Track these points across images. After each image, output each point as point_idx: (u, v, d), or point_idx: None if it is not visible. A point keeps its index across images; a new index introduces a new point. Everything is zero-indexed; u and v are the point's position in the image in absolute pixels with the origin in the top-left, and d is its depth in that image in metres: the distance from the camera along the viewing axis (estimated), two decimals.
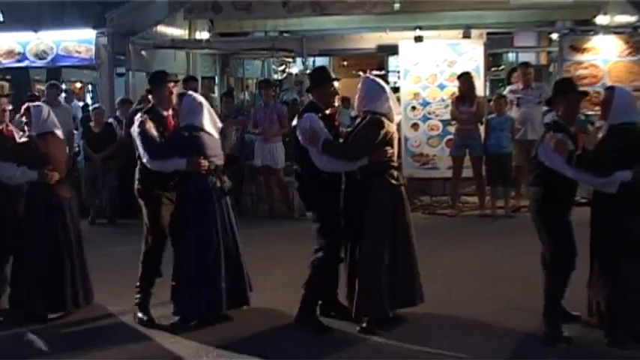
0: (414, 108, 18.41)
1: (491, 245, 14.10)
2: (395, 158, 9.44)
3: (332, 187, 9.39)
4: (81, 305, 10.45)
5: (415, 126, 18.37)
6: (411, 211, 12.55)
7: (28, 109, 10.35)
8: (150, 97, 10.30)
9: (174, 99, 10.05)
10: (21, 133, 10.47)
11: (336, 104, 9.89)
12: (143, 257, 10.18)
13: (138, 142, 9.81)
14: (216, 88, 24.25)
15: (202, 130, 9.66)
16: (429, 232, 14.57)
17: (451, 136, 17.69)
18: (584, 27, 20.66)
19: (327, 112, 9.51)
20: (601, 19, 20.70)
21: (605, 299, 8.57)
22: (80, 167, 18.25)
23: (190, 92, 10.38)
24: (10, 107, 10.77)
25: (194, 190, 9.64)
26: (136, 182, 10.10)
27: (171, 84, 10.24)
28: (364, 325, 9.28)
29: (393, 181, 9.27)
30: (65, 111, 18.21)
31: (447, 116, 17.72)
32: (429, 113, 18.35)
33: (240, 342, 9.16)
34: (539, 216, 8.80)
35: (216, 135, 9.84)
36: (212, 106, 10.30)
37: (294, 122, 9.66)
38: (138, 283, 10.15)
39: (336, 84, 9.79)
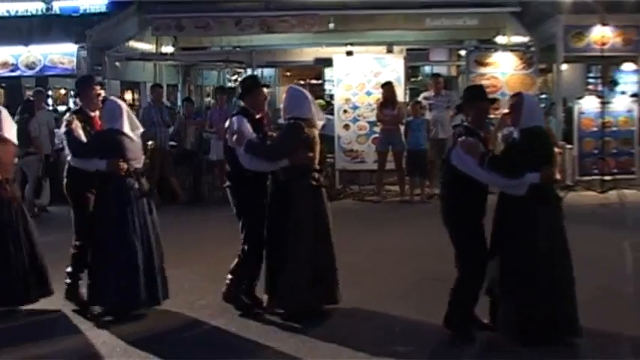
0: (345, 111, 18.44)
1: (409, 226, 14.17)
2: (316, 162, 8.83)
3: (257, 185, 8.84)
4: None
5: (346, 126, 18.40)
6: (342, 198, 12.50)
7: None
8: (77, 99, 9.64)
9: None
10: None
11: (266, 109, 9.62)
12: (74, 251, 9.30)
13: (64, 140, 9.23)
14: (178, 94, 24.06)
15: (123, 133, 8.90)
16: (358, 215, 14.68)
17: (376, 135, 17.73)
18: (487, 45, 20.83)
19: (257, 116, 8.98)
20: (500, 39, 20.85)
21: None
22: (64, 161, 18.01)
23: (112, 97, 9.88)
24: None
25: (112, 191, 8.85)
26: (64, 180, 9.37)
27: (98, 87, 9.65)
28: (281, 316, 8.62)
29: (314, 183, 8.70)
30: (48, 113, 18.03)
31: (373, 118, 17.74)
32: (358, 116, 18.40)
33: (149, 340, 8.13)
34: (449, 220, 7.88)
35: (136, 139, 9.11)
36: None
37: (226, 124, 9.13)
38: (70, 270, 9.28)
39: (265, 90, 9.43)
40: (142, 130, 9.38)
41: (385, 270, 10.86)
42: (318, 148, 8.88)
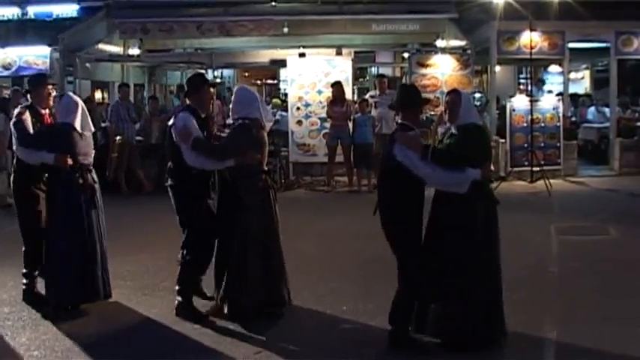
0: (298, 108, 18.48)
1: (356, 214, 14.18)
2: (264, 162, 8.27)
3: (199, 184, 8.13)
4: None
5: (299, 122, 18.43)
6: (295, 188, 12.47)
7: None
8: (29, 96, 8.83)
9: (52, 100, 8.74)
10: None
11: (216, 108, 8.86)
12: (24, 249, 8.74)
13: (13, 131, 8.60)
14: (144, 93, 23.92)
15: (74, 128, 8.31)
16: (310, 204, 14.71)
17: (327, 130, 17.81)
18: (428, 48, 21.01)
19: (203, 115, 8.23)
20: (440, 43, 20.98)
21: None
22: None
23: (69, 93, 9.26)
24: None
25: (60, 186, 8.28)
26: (12, 175, 8.93)
27: (50, 86, 8.85)
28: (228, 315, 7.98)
29: (261, 184, 8.06)
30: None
31: (324, 115, 17.80)
32: (310, 112, 18.42)
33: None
34: (384, 217, 7.12)
35: (87, 135, 8.47)
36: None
37: (171, 121, 8.20)
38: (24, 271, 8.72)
39: (212, 90, 8.63)
40: (92, 131, 8.71)
41: (334, 251, 10.97)
42: (266, 149, 8.32)
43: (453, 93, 7.34)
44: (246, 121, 8.05)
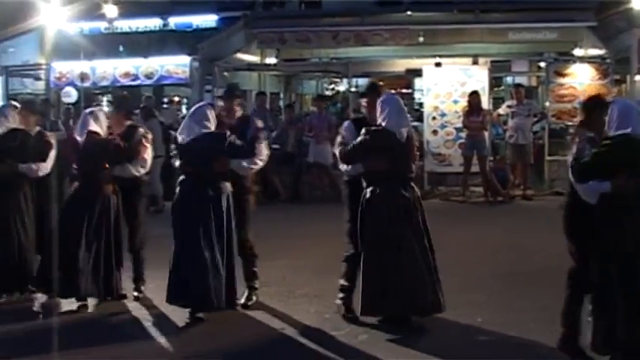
0: (434, 118, 18.51)
1: (492, 224, 14.13)
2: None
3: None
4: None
5: (435, 132, 18.45)
6: (430, 197, 12.22)
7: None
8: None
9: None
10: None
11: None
12: None
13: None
14: (280, 102, 24.31)
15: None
16: (445, 214, 14.60)
17: (463, 140, 17.70)
18: (565, 57, 20.60)
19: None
20: (577, 52, 20.57)
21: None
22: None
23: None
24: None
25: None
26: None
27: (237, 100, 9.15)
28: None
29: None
30: (155, 124, 18.46)
31: (460, 124, 17.71)
32: (446, 122, 18.41)
33: None
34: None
35: None
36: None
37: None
38: None
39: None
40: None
41: (468, 262, 10.88)
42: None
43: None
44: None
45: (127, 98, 10.73)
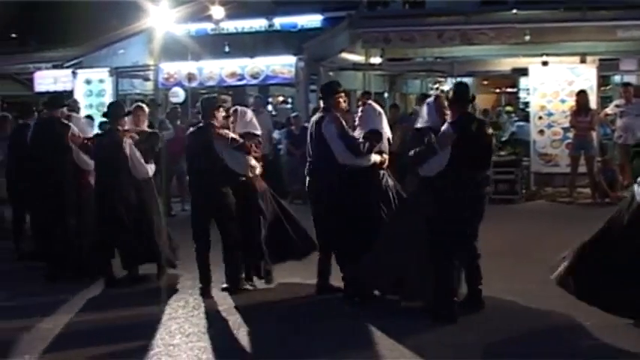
0: (540, 118, 18.29)
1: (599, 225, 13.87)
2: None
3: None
4: None
5: (541, 132, 18.23)
6: (537, 198, 12.07)
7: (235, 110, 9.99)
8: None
9: None
10: None
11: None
12: None
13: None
14: (385, 101, 24.39)
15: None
16: (551, 215, 14.44)
17: (570, 140, 17.43)
18: None
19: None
20: None
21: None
22: (283, 160, 18.69)
23: (371, 103, 10.05)
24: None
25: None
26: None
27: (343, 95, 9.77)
28: None
29: None
30: (267, 116, 19.14)
31: (567, 124, 17.45)
32: (553, 122, 18.16)
33: None
34: None
35: None
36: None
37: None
38: None
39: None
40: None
41: None
42: None
43: None
44: None
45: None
